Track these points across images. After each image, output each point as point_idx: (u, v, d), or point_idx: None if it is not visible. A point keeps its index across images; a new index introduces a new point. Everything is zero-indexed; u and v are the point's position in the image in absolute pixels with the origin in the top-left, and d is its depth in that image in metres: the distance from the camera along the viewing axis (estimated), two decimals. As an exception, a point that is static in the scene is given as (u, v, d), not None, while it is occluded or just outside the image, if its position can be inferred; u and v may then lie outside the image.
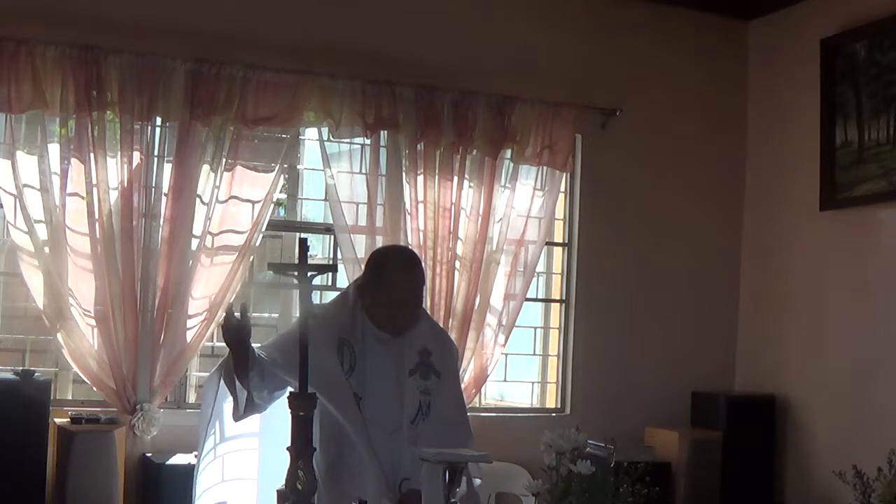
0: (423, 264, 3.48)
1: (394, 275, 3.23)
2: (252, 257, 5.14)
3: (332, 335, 3.20)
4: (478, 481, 3.32)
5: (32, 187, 4.66)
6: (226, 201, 4.99)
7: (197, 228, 4.90)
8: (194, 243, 4.90)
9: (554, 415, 5.74)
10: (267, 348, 3.20)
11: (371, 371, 3.20)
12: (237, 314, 3.00)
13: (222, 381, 3.19)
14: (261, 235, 5.10)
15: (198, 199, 4.91)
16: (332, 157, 5.24)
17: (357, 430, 3.13)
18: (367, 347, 3.22)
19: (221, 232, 4.99)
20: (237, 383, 3.08)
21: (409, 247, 5.13)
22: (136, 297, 4.78)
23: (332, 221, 5.25)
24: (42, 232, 4.67)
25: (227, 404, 3.24)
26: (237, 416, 3.16)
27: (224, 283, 4.94)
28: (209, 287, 4.95)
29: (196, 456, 3.42)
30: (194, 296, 4.92)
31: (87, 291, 4.75)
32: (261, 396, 3.14)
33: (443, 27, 5.48)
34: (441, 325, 5.21)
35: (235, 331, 3.01)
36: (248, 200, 5.04)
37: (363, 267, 3.44)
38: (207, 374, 5.26)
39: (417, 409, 3.21)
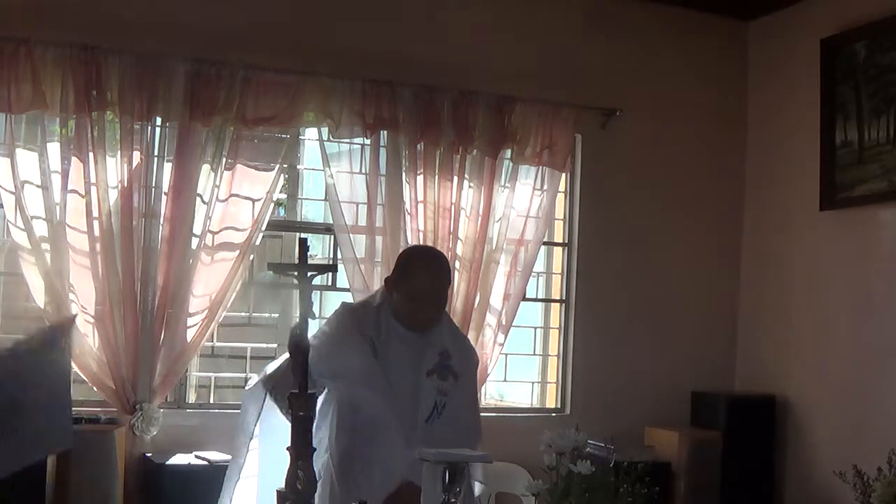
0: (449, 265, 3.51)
1: (419, 270, 3.30)
2: (252, 256, 5.14)
3: (360, 329, 3.27)
4: (479, 486, 3.34)
5: (33, 184, 4.66)
6: (226, 200, 4.99)
7: (197, 227, 4.90)
8: (194, 242, 4.90)
9: (554, 415, 5.74)
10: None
11: (390, 368, 3.25)
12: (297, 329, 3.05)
13: (268, 398, 3.18)
14: (261, 234, 5.10)
15: (198, 199, 4.91)
16: (331, 157, 5.24)
17: (394, 410, 3.18)
18: (389, 344, 3.28)
19: (222, 229, 4.99)
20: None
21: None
22: (135, 297, 4.78)
23: (332, 221, 5.25)
24: (42, 231, 4.67)
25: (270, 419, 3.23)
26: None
27: (225, 281, 4.95)
28: (210, 286, 4.95)
29: (228, 467, 3.39)
30: (195, 294, 4.93)
31: (88, 290, 4.75)
32: None
33: (443, 27, 5.48)
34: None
35: (295, 343, 3.05)
36: (248, 198, 5.04)
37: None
38: (207, 373, 5.30)
39: (433, 409, 3.26)
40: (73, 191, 4.72)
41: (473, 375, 3.53)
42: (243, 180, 5.03)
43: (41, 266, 4.64)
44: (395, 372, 3.24)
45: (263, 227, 5.09)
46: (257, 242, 5.08)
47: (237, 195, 5.01)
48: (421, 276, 3.28)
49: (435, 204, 5.30)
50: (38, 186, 4.66)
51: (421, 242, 5.24)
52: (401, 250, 5.10)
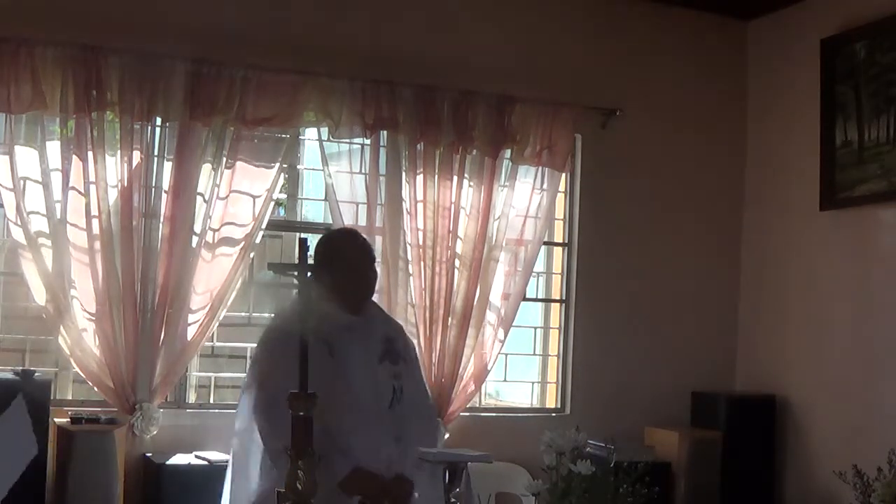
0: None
1: (346, 244, 3.45)
2: (252, 256, 5.14)
3: (317, 334, 3.27)
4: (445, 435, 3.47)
5: (34, 181, 4.66)
6: (226, 197, 4.99)
7: (197, 225, 4.90)
8: (195, 240, 4.90)
9: (554, 415, 5.74)
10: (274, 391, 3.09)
11: (349, 362, 3.28)
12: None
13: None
14: (261, 232, 5.10)
15: (199, 197, 4.91)
16: (331, 157, 5.24)
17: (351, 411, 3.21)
18: (342, 339, 3.29)
19: (223, 225, 4.99)
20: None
21: (408, 246, 5.22)
22: (135, 297, 4.77)
23: (331, 221, 5.25)
24: (42, 230, 4.67)
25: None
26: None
27: (226, 279, 4.95)
28: (211, 282, 4.96)
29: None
30: (196, 291, 4.92)
31: (88, 290, 4.75)
32: None
33: (443, 27, 5.48)
34: (441, 324, 5.24)
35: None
36: (248, 194, 5.04)
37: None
38: (207, 373, 5.29)
39: (392, 394, 3.32)
40: (73, 188, 4.72)
41: (416, 358, 3.66)
42: (244, 178, 5.03)
43: (41, 264, 4.64)
44: (354, 365, 3.28)
45: (264, 225, 5.09)
46: (258, 240, 5.08)
47: (238, 191, 5.01)
48: (349, 248, 3.43)
49: (435, 203, 5.30)
50: (38, 183, 4.66)
51: (420, 242, 5.26)
52: (398, 250, 5.13)
